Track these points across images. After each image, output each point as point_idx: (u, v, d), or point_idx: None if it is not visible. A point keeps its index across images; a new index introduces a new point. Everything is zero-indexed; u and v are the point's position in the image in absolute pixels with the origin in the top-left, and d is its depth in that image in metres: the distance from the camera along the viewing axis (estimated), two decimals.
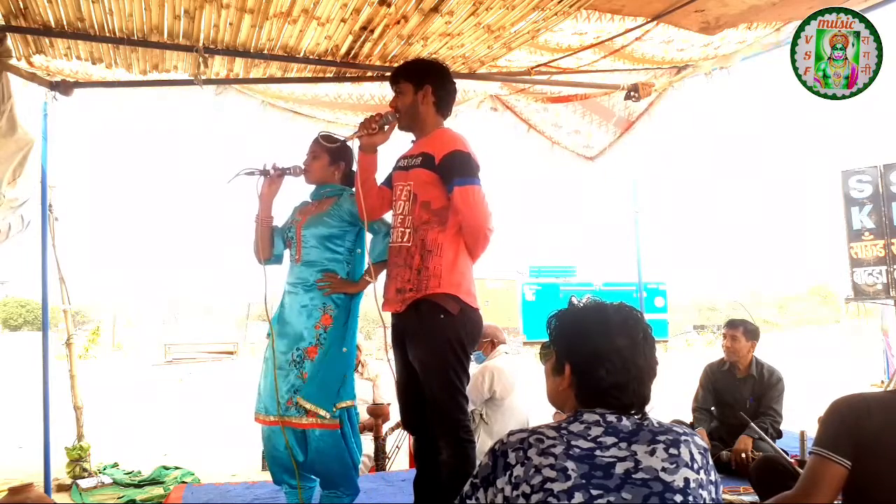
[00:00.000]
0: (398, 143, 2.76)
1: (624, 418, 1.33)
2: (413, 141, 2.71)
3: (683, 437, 1.31)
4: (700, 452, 1.31)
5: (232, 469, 5.95)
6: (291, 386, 2.84)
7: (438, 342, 2.47)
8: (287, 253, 3.05)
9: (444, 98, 2.67)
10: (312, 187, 3.06)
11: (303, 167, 2.99)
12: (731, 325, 4.17)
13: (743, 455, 3.66)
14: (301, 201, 3.11)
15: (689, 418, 4.22)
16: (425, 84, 2.62)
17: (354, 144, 2.74)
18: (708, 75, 4.10)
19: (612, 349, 1.35)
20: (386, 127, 2.65)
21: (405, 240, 2.56)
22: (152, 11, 3.16)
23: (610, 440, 1.29)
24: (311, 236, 2.91)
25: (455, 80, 2.79)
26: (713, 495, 1.30)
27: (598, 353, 1.35)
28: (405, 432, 4.49)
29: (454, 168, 2.47)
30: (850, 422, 1.71)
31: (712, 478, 1.31)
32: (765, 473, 2.68)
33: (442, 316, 2.45)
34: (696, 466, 1.28)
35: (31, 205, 3.87)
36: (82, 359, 6.47)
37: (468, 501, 1.34)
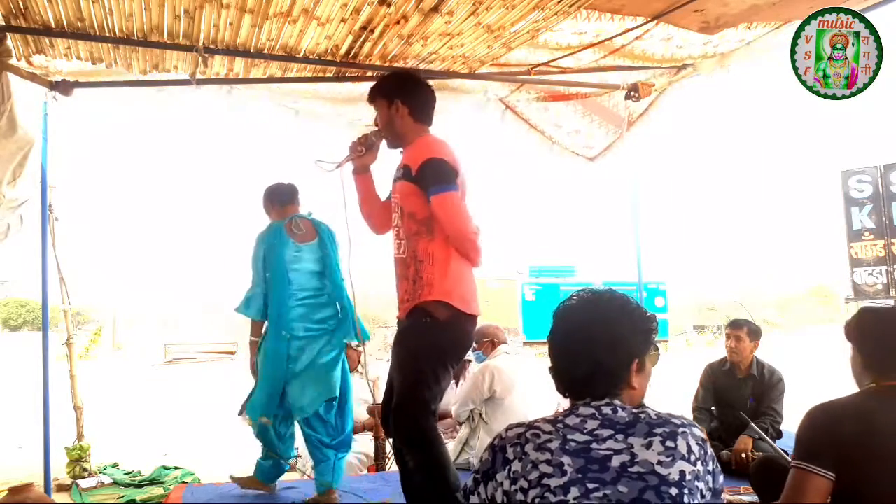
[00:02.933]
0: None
1: (620, 409, 1.33)
2: (401, 152, 2.72)
3: (681, 429, 1.30)
4: (698, 443, 1.30)
5: (232, 469, 5.94)
6: None
7: (412, 345, 2.51)
8: None
9: (418, 107, 2.66)
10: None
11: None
12: (735, 325, 4.16)
13: (743, 455, 3.65)
14: None
15: (688, 418, 4.21)
16: (395, 98, 2.64)
17: (347, 169, 2.77)
18: (708, 75, 4.10)
19: (572, 340, 1.37)
20: (373, 146, 2.71)
21: (402, 251, 2.60)
22: (152, 11, 3.17)
23: (606, 433, 1.29)
24: None
25: (453, 80, 2.79)
26: (711, 485, 1.30)
27: (561, 347, 1.39)
28: None
29: (429, 177, 2.48)
30: (825, 430, 1.68)
31: (710, 467, 1.30)
32: (765, 473, 2.67)
33: (425, 320, 2.48)
34: (693, 458, 1.27)
35: (30, 205, 3.87)
36: (82, 359, 6.46)
37: (471, 496, 1.36)
